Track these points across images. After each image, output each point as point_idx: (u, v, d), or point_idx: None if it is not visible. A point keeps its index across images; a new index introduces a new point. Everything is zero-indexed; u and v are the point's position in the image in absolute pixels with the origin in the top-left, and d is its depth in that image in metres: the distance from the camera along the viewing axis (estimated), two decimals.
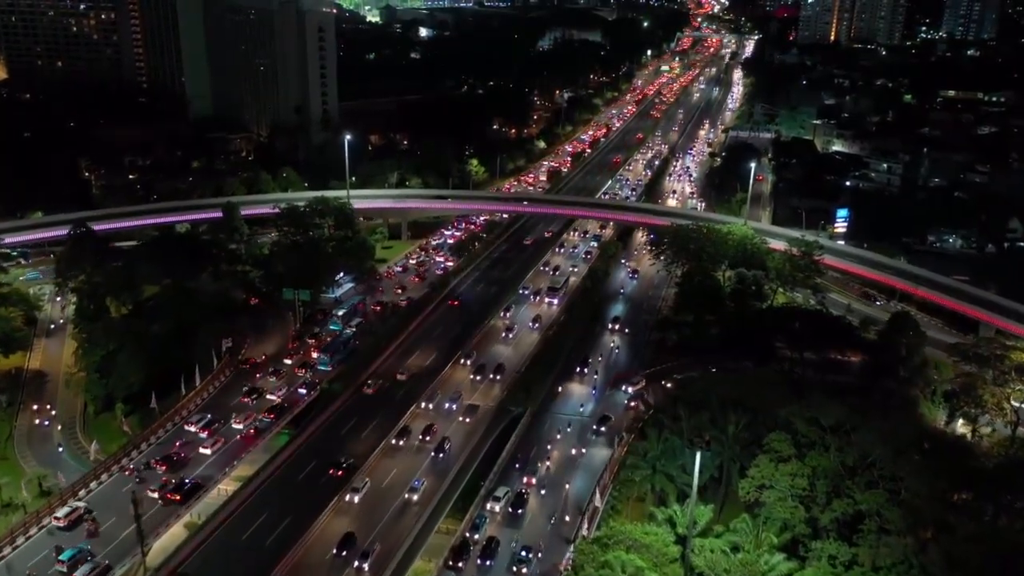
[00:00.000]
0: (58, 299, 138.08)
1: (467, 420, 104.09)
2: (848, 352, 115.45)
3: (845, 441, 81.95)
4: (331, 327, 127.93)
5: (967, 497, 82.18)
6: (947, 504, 78.28)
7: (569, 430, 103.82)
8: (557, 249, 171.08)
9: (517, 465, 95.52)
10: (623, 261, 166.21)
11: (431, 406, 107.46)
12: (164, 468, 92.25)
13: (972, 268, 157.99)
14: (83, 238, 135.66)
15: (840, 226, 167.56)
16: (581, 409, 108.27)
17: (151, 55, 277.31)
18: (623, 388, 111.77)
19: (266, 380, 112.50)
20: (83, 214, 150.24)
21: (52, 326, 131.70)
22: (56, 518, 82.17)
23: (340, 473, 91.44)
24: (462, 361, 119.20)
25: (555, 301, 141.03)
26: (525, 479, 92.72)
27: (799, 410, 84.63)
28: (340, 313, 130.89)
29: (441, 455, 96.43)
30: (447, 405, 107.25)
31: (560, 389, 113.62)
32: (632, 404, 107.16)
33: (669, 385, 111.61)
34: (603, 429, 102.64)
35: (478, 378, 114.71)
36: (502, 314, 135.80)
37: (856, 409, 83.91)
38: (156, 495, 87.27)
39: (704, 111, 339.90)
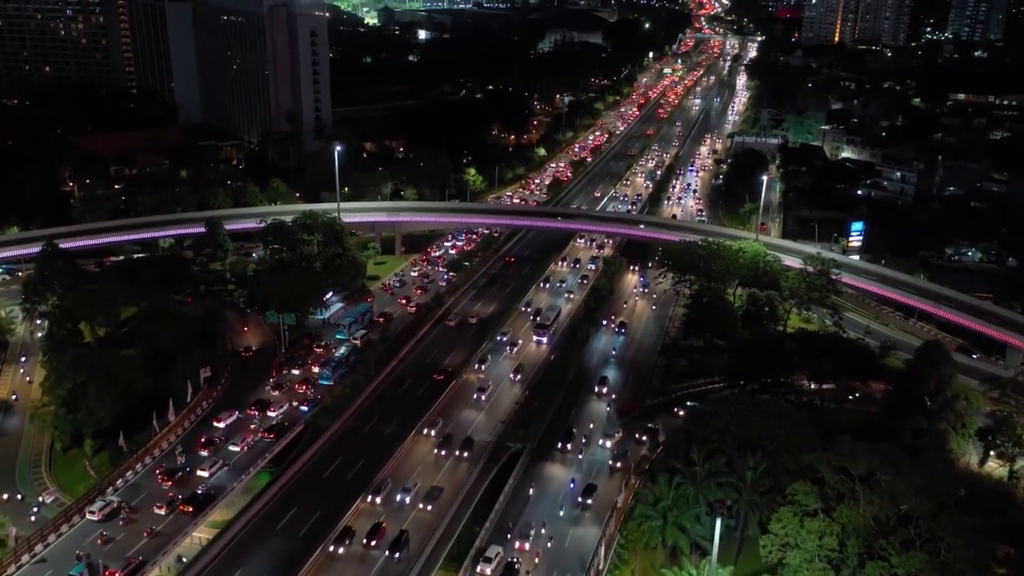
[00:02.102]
0: (37, 321, 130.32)
1: (428, 508, 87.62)
2: (871, 381, 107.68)
3: (877, 492, 74.21)
4: (337, 336, 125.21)
5: (1012, 553, 74.61)
6: (991, 559, 70.69)
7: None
8: (542, 284, 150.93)
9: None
10: (605, 322, 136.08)
11: (379, 499, 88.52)
12: (170, 484, 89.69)
13: (993, 284, 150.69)
14: (52, 258, 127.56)
15: (855, 240, 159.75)
16: (560, 512, 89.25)
17: (140, 60, 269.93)
18: (605, 442, 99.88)
19: (270, 393, 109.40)
20: (56, 230, 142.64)
21: (22, 353, 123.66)
22: None
23: None
24: (425, 432, 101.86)
25: (544, 340, 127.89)
26: (517, 544, 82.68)
27: (825, 457, 76.83)
28: (347, 323, 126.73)
29: (397, 555, 79.65)
30: (399, 497, 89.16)
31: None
32: (618, 465, 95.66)
33: (680, 412, 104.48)
34: (589, 501, 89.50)
35: (443, 452, 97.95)
36: (476, 366, 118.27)
37: (889, 456, 76.04)
38: (163, 511, 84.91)
39: (705, 121, 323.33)
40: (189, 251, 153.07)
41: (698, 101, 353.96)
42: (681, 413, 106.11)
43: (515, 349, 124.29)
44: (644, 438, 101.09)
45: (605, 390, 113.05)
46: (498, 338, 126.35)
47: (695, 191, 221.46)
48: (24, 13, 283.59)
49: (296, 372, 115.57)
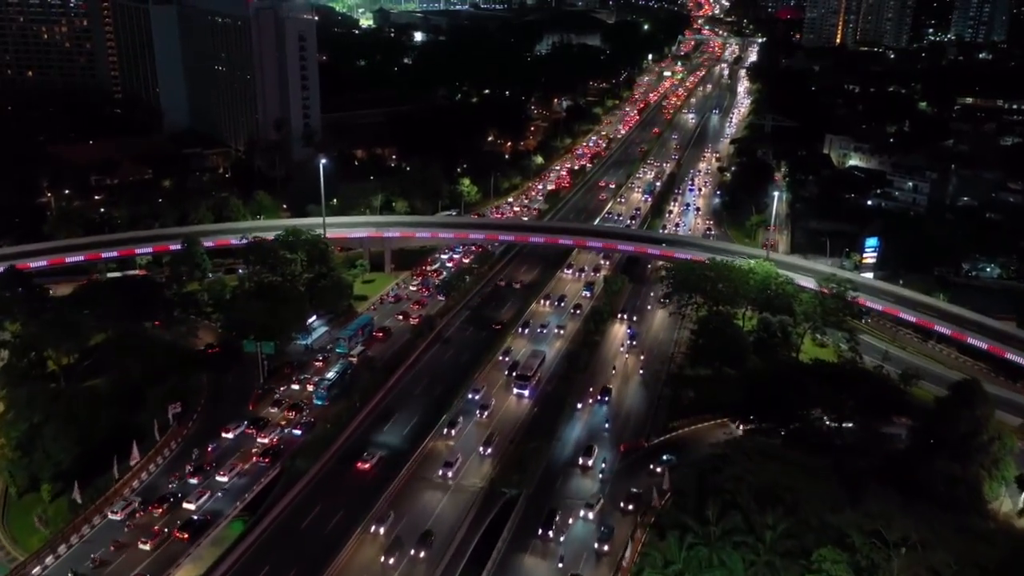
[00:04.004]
0: None
1: None
2: (895, 416, 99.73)
3: (912, 558, 66.34)
4: (337, 350, 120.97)
5: None
6: None
7: None
8: (520, 330, 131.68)
9: None
10: (581, 403, 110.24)
11: None
12: (161, 511, 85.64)
13: (1015, 303, 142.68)
14: (12, 281, 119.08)
15: (869, 257, 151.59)
16: None
17: (125, 64, 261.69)
18: (587, 513, 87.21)
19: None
20: (18, 248, 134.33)
21: None
22: None
23: None
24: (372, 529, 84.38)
25: (525, 393, 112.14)
26: None
27: (856, 519, 68.86)
28: (347, 336, 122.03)
29: None
30: None
31: None
32: (606, 548, 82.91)
33: (658, 469, 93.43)
34: None
35: (391, 561, 79.95)
36: (446, 430, 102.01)
37: (925, 517, 68.14)
38: (148, 545, 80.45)
39: (704, 132, 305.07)
40: (167, 268, 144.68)
41: (693, 115, 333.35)
42: (659, 470, 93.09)
43: (486, 412, 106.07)
44: (634, 499, 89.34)
45: (591, 462, 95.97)
46: (470, 396, 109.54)
47: (698, 209, 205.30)
48: (6, 16, 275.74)
49: (318, 363, 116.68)
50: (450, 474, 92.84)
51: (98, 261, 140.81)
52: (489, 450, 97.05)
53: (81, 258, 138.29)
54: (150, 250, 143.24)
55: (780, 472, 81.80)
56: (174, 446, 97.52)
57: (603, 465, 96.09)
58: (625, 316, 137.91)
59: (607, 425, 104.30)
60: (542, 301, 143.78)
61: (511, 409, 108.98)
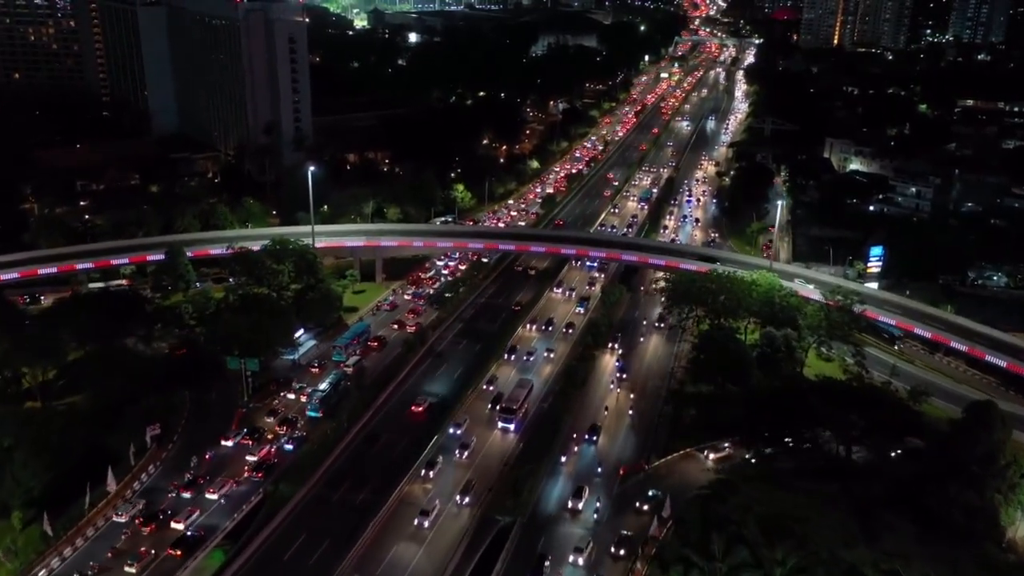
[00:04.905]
0: None
1: None
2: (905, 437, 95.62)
3: None
4: (334, 358, 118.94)
5: None
6: None
7: None
8: (508, 356, 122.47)
9: None
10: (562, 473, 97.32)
11: None
12: (150, 529, 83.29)
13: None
14: None
15: (874, 266, 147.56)
16: None
17: (112, 67, 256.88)
18: (576, 559, 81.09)
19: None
20: None
21: None
22: None
23: None
24: None
25: (510, 428, 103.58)
26: None
27: (872, 557, 64.75)
28: (343, 344, 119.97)
29: None
30: None
31: None
32: None
33: (645, 507, 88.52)
34: None
35: None
36: (423, 471, 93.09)
37: (945, 556, 64.06)
38: (134, 569, 77.74)
39: (701, 137, 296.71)
40: (151, 279, 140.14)
41: (691, 120, 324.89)
42: (646, 508, 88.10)
43: (466, 452, 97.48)
44: (625, 542, 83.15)
45: (581, 505, 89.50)
46: (451, 431, 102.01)
47: (697, 220, 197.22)
48: None
49: (314, 370, 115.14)
50: (426, 524, 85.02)
51: (73, 273, 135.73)
52: (467, 499, 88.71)
53: (54, 270, 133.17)
54: (127, 261, 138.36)
55: (788, 501, 77.75)
56: (152, 470, 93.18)
57: (597, 504, 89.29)
58: (615, 346, 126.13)
59: (599, 470, 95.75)
60: (528, 325, 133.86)
61: (495, 446, 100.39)
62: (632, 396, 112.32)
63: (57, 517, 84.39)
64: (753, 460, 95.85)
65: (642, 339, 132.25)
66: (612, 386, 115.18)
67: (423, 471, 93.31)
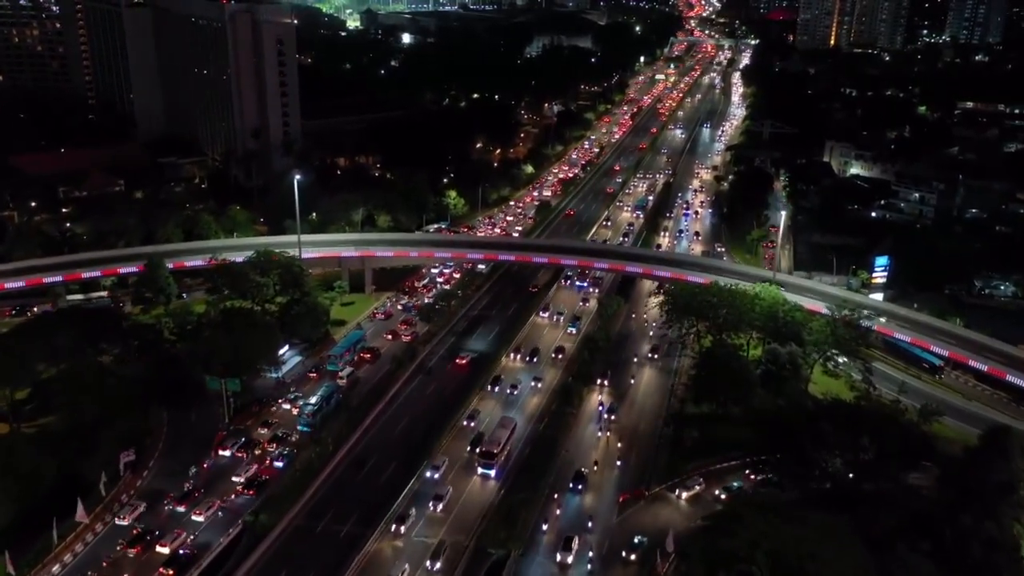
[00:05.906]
0: None
1: None
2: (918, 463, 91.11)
3: None
4: (329, 367, 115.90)
5: None
6: None
7: None
8: (490, 389, 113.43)
9: None
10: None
11: None
12: (137, 551, 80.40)
13: None
14: None
15: (879, 276, 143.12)
16: None
17: (98, 69, 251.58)
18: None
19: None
20: None
21: None
22: None
23: None
24: None
25: (491, 474, 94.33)
26: None
27: None
28: (337, 353, 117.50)
29: None
30: None
31: None
32: None
33: (632, 556, 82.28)
34: None
35: None
36: (394, 527, 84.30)
37: None
38: None
39: (696, 143, 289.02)
40: (131, 291, 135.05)
41: (685, 127, 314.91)
42: (633, 557, 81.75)
43: (440, 504, 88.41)
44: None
45: (571, 559, 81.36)
46: (428, 474, 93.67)
47: (696, 234, 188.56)
48: None
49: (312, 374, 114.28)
50: None
51: (39, 286, 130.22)
52: (438, 565, 79.71)
53: (22, 284, 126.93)
54: (98, 274, 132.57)
55: (798, 534, 73.00)
56: (125, 499, 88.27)
57: (590, 555, 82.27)
58: (604, 383, 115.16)
59: (590, 524, 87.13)
60: (513, 355, 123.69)
61: (473, 494, 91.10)
62: (620, 445, 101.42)
63: (22, 553, 79.49)
64: (751, 489, 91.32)
65: (635, 362, 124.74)
66: (599, 433, 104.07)
67: (393, 526, 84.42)
